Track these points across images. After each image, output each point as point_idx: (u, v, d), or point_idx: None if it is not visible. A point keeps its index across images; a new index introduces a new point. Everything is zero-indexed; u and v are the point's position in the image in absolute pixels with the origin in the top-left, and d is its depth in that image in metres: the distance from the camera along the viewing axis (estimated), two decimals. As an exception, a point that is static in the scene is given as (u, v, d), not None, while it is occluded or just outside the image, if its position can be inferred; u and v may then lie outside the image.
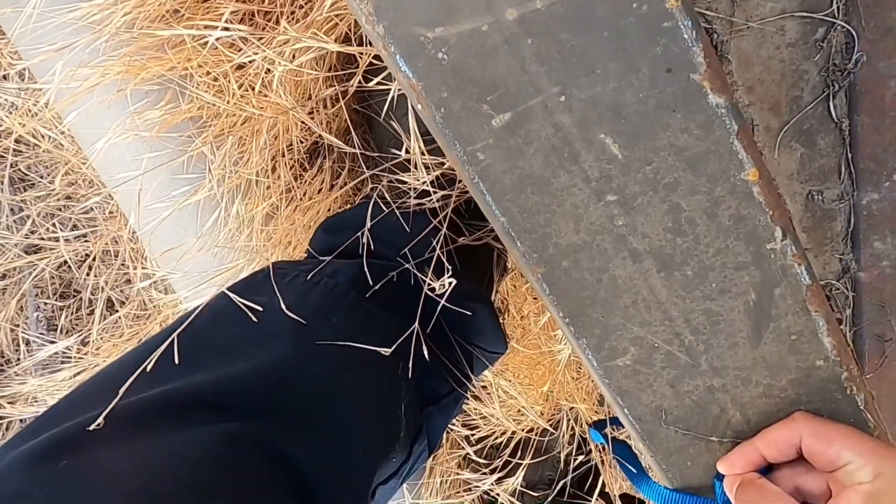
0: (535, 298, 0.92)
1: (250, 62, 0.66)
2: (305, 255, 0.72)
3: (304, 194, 0.77)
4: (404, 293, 0.64)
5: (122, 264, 0.91)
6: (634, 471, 0.57)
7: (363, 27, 0.39)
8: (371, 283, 0.60)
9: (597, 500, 0.85)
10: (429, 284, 0.59)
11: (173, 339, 0.50)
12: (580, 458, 0.98)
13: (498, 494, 0.93)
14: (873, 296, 0.65)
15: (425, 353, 0.58)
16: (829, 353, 0.46)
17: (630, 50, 0.38)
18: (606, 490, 0.94)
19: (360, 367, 0.54)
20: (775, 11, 0.53)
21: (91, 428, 0.40)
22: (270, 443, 0.44)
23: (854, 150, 0.58)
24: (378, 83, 0.64)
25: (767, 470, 0.49)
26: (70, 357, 0.91)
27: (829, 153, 0.58)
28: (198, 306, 0.56)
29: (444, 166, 0.67)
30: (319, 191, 0.78)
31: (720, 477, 0.51)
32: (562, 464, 0.99)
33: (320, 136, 0.75)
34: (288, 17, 0.63)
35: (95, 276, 0.94)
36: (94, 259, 0.95)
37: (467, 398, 0.71)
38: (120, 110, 0.65)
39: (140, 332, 0.92)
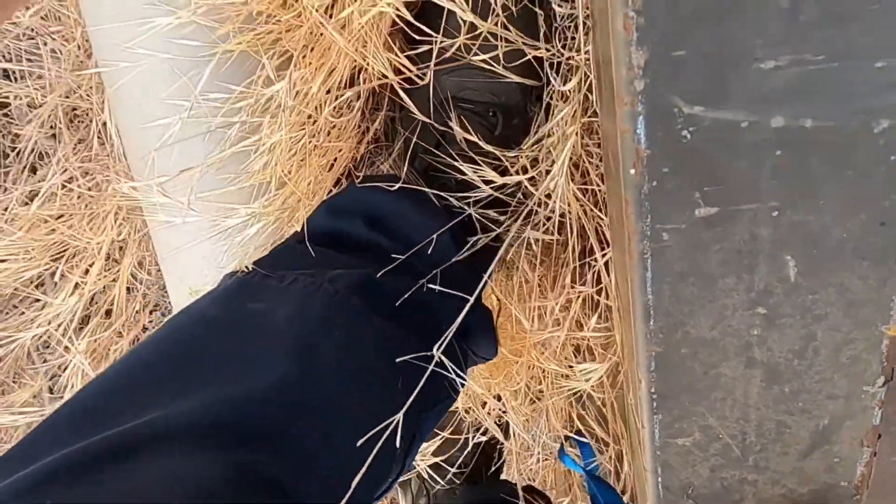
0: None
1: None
2: (300, 229, 0.64)
3: (337, 138, 0.69)
4: (412, 299, 0.59)
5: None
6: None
7: (620, 73, 0.35)
8: (376, 291, 0.55)
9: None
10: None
11: (162, 355, 0.45)
12: (491, 443, 1.01)
13: (417, 464, 0.94)
14: None
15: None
16: (855, 480, 0.51)
17: (862, 194, 0.37)
18: (514, 481, 0.98)
19: (359, 385, 0.51)
20: None
21: None
22: (274, 477, 0.41)
23: None
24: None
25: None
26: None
27: None
28: (183, 311, 0.50)
29: (513, 171, 0.63)
30: (348, 139, 0.70)
31: None
32: (470, 446, 1.02)
33: (379, 86, 0.67)
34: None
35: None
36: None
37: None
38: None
39: (89, 207, 0.79)
